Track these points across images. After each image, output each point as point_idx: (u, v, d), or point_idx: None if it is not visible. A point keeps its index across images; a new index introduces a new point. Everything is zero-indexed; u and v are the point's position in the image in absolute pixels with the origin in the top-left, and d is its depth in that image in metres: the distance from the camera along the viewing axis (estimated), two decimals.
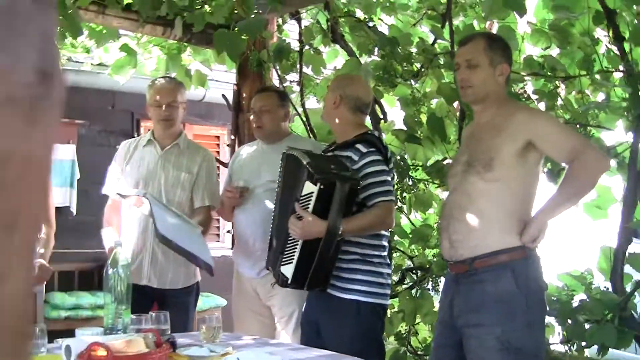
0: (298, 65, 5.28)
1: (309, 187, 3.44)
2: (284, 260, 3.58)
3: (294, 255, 3.52)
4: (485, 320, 3.14)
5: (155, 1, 4.66)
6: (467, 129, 3.68)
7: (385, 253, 3.74)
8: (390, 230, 3.95)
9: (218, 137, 8.22)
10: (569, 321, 4.01)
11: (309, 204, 3.44)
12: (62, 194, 7.11)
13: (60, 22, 4.24)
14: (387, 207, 3.57)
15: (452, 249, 3.27)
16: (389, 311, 4.64)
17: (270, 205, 4.08)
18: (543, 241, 3.19)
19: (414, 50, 4.81)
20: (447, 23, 4.59)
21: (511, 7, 4.11)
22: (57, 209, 7.10)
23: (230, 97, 5.38)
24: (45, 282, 4.19)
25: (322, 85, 5.20)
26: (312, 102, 5.51)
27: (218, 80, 6.83)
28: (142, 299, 4.14)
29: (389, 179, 3.66)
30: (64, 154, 7.17)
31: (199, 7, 4.94)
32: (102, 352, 2.54)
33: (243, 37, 4.62)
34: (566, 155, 3.11)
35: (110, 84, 6.07)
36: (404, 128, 4.82)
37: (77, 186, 6.94)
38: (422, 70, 4.78)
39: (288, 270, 3.55)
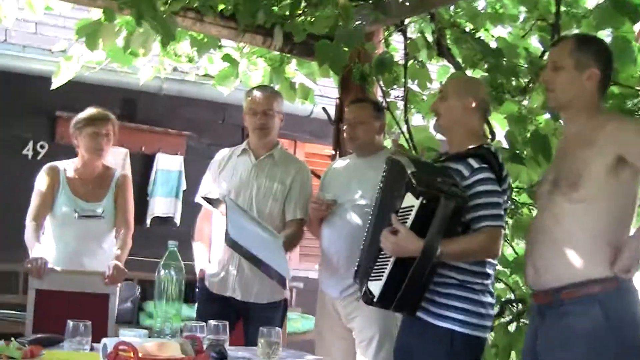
0: (403, 80, 5.08)
1: (410, 200, 3.12)
2: (372, 275, 3.29)
3: (383, 272, 3.21)
4: (571, 357, 2.84)
5: (252, 8, 4.56)
6: (558, 143, 3.36)
7: (489, 282, 3.36)
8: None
9: (330, 157, 8.08)
10: None
11: (408, 218, 3.12)
12: (167, 204, 7.23)
13: (153, 26, 4.20)
14: (494, 233, 3.19)
15: (536, 276, 2.99)
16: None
17: (357, 221, 3.92)
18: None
19: (522, 62, 4.53)
20: (556, 34, 4.29)
21: (622, 13, 3.77)
22: (162, 219, 7.22)
23: (332, 111, 5.24)
24: (119, 284, 4.14)
25: (428, 101, 4.98)
26: (416, 119, 5.28)
27: (328, 96, 6.71)
28: (227, 310, 4.14)
29: (501, 201, 3.26)
30: (172, 164, 7.26)
31: (300, 16, 4.81)
32: (127, 353, 2.42)
33: (346, 48, 4.47)
34: None
35: (222, 97, 6.05)
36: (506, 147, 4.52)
37: (182, 197, 6.99)
38: (530, 84, 4.48)
39: (376, 287, 3.24)
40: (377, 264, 3.27)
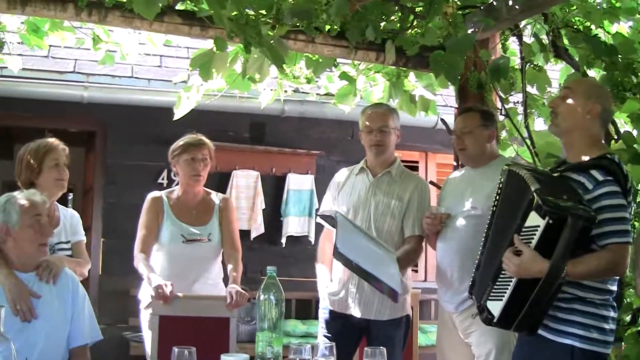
0: (521, 85, 4.95)
1: (535, 219, 3.04)
2: (492, 295, 3.23)
3: (505, 293, 3.15)
4: None
5: (361, 26, 4.57)
6: None
7: (611, 296, 3.21)
8: None
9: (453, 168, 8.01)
10: None
11: (532, 238, 3.05)
12: (300, 223, 7.35)
13: (263, 51, 4.28)
14: (621, 251, 3.05)
15: None
16: (612, 355, 4.14)
17: (470, 232, 3.87)
18: None
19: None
20: None
21: None
22: (295, 238, 7.32)
23: (451, 122, 5.17)
24: (240, 307, 4.19)
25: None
26: (537, 124, 5.13)
27: (452, 106, 6.63)
28: (348, 328, 4.17)
29: (627, 215, 3.11)
30: (303, 184, 7.36)
31: (409, 29, 4.78)
32: None
33: (460, 58, 4.41)
34: None
35: (348, 115, 6.09)
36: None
37: (315, 216, 7.07)
38: None
39: (496, 307, 3.19)
40: (498, 283, 3.21)
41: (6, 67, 5.61)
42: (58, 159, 4.21)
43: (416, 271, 7.19)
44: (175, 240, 4.45)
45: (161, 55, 7.17)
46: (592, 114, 3.26)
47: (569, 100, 3.32)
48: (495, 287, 3.21)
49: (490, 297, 3.23)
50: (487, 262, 3.39)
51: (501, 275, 3.18)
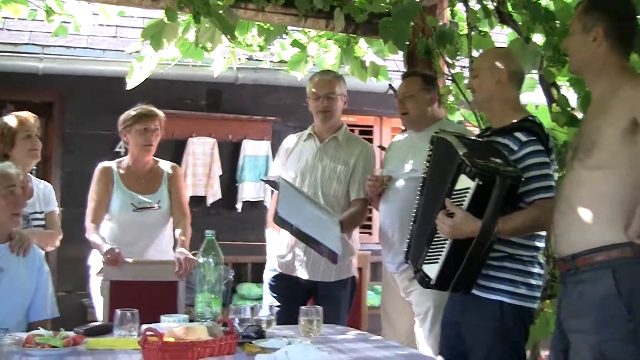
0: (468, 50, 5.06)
1: (465, 182, 3.14)
2: (427, 258, 3.32)
3: (440, 255, 3.24)
4: (582, 326, 2.81)
5: None
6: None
7: (538, 254, 3.36)
8: None
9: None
10: None
11: (463, 200, 3.15)
12: (256, 188, 7.46)
13: (212, 21, 4.34)
14: (547, 205, 3.14)
15: (555, 245, 2.98)
16: (548, 310, 4.30)
17: (411, 194, 3.89)
18: None
19: None
20: None
21: None
22: (251, 203, 7.43)
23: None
24: (188, 273, 4.29)
25: None
26: None
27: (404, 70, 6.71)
28: (295, 289, 4.30)
29: (551, 172, 3.26)
30: (259, 150, 7.46)
31: None
32: (153, 338, 2.58)
33: (407, 24, 4.51)
34: None
35: (304, 82, 6.15)
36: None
37: None
38: None
39: (432, 270, 3.28)
40: (432, 246, 3.29)
41: None
42: (30, 130, 4.32)
43: (370, 233, 7.31)
44: (125, 209, 4.53)
45: (116, 26, 7.18)
46: (500, 80, 3.40)
47: (478, 77, 3.48)
48: (430, 250, 3.30)
49: (426, 261, 3.32)
50: (421, 227, 3.49)
51: (435, 239, 3.27)
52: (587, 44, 2.92)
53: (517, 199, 3.20)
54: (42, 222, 4.38)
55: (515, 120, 3.33)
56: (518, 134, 3.24)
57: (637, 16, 3.06)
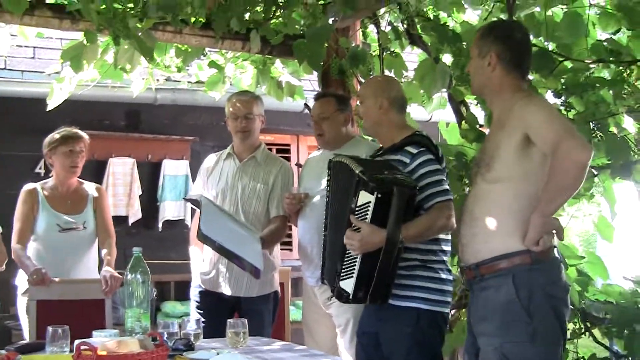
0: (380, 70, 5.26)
1: (365, 197, 3.32)
2: (343, 275, 3.47)
3: (353, 269, 3.41)
4: (487, 330, 3.04)
5: (225, 17, 4.78)
6: None
7: (446, 258, 3.59)
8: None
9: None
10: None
11: (367, 214, 3.33)
12: (176, 207, 7.52)
13: (131, 43, 4.45)
14: (445, 207, 3.42)
15: (462, 254, 3.21)
16: (464, 319, 4.51)
17: None
18: (555, 242, 3.01)
19: None
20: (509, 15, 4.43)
21: None
22: (172, 222, 7.50)
23: None
24: (114, 290, 4.38)
25: (405, 88, 5.14)
26: None
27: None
28: (220, 304, 4.39)
29: (444, 177, 3.52)
30: (178, 169, 7.55)
31: (272, 19, 5.02)
32: (88, 352, 2.68)
33: (320, 46, 4.67)
34: (549, 147, 2.89)
35: (221, 102, 6.27)
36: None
37: None
38: None
39: (348, 285, 3.44)
40: (345, 263, 3.45)
41: None
42: None
43: (290, 250, 7.47)
44: (51, 229, 4.59)
45: (34, 47, 7.18)
46: (383, 106, 3.68)
47: (364, 104, 3.76)
48: (344, 267, 3.46)
49: (342, 277, 3.47)
50: (331, 248, 3.66)
51: (347, 255, 3.44)
52: (483, 68, 3.18)
53: (418, 208, 3.43)
54: None
55: (403, 137, 3.59)
56: (408, 148, 3.51)
57: (529, 40, 3.35)
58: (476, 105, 4.79)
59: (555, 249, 3.06)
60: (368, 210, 3.31)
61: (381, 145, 3.81)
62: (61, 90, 5.32)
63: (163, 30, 4.81)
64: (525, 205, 2.97)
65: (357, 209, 3.35)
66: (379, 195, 3.26)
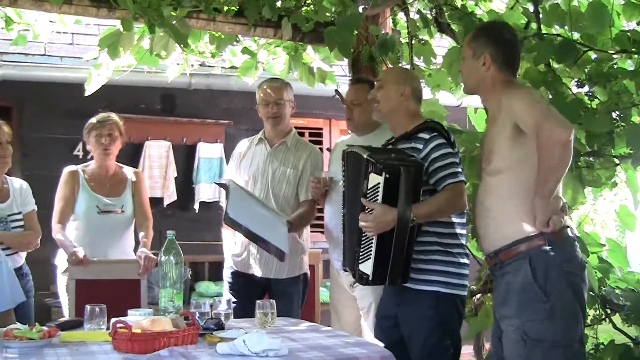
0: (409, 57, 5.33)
1: (375, 179, 3.43)
2: (361, 258, 3.56)
3: (370, 251, 3.50)
4: (508, 312, 3.18)
5: (258, 5, 4.90)
6: None
7: (464, 242, 3.70)
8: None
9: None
10: None
11: (377, 195, 3.43)
12: (211, 189, 7.63)
13: (166, 31, 4.58)
14: (456, 189, 3.51)
15: (480, 244, 3.38)
16: (488, 303, 4.62)
17: None
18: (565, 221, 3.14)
19: None
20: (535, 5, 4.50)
21: None
22: (207, 204, 7.65)
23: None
24: (150, 272, 4.55)
25: (434, 76, 5.25)
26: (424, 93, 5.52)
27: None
28: (251, 286, 4.52)
29: (456, 160, 3.60)
30: (213, 152, 7.68)
31: (303, 6, 5.12)
32: (122, 329, 2.84)
33: (350, 33, 4.76)
34: (533, 128, 3.06)
35: (254, 87, 6.38)
36: None
37: None
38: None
39: (367, 267, 3.52)
40: (362, 246, 3.55)
41: None
42: (0, 137, 4.50)
43: (322, 232, 7.50)
44: (90, 211, 4.77)
45: (73, 33, 7.35)
46: (405, 94, 3.77)
47: (384, 89, 3.83)
48: (362, 250, 3.55)
49: (360, 260, 3.56)
50: (349, 233, 3.75)
51: (363, 238, 3.54)
52: (478, 68, 3.36)
53: (433, 192, 3.54)
54: (21, 223, 4.59)
55: (416, 125, 3.70)
56: (421, 134, 3.61)
57: (517, 40, 3.52)
58: None
59: (568, 228, 3.20)
60: (379, 191, 3.43)
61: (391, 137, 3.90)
62: (99, 75, 5.46)
63: (197, 18, 4.90)
64: (529, 190, 3.12)
65: (368, 191, 3.46)
66: (387, 176, 3.37)
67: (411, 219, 3.39)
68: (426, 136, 3.59)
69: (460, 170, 3.58)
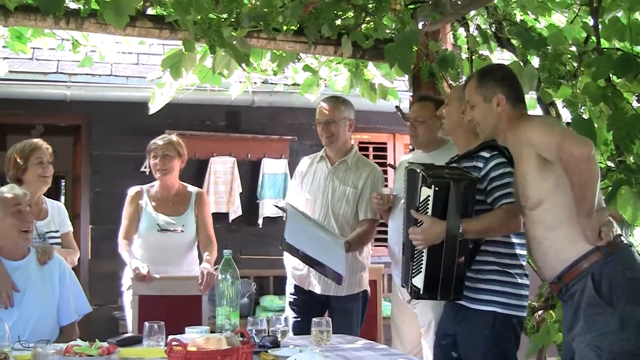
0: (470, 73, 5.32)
1: (425, 192, 3.48)
2: (413, 271, 3.60)
3: (422, 265, 3.54)
4: (579, 330, 3.18)
5: (317, 24, 4.95)
6: None
7: (524, 263, 3.67)
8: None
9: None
10: None
11: (428, 209, 3.48)
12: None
13: (226, 51, 4.67)
14: (511, 209, 3.48)
15: (542, 275, 3.43)
16: (549, 320, 4.58)
17: None
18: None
19: (572, 49, 4.70)
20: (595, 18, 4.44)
21: None
22: (271, 219, 7.72)
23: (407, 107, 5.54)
24: (210, 287, 4.61)
25: None
26: None
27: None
28: (311, 302, 4.56)
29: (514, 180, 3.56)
30: (277, 168, 7.76)
31: (362, 24, 5.15)
32: (178, 347, 2.91)
33: (409, 50, 4.77)
34: (555, 154, 3.11)
35: (317, 103, 6.47)
36: None
37: None
38: (578, 69, 4.65)
39: (419, 280, 3.56)
40: (414, 259, 3.59)
41: None
42: (42, 157, 4.62)
43: (386, 246, 7.54)
44: (150, 229, 4.88)
45: (138, 53, 7.53)
46: (464, 113, 3.73)
47: (448, 106, 3.88)
48: (414, 264, 3.59)
49: (413, 275, 3.61)
50: (406, 249, 3.76)
51: (415, 252, 3.58)
52: (492, 111, 3.43)
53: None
54: (58, 240, 4.69)
55: (478, 144, 3.69)
56: (483, 153, 3.61)
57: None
58: (564, 107, 4.82)
59: (621, 237, 3.21)
60: (428, 204, 3.47)
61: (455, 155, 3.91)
62: (162, 95, 5.56)
63: (257, 37, 4.97)
64: (572, 212, 3.17)
65: (419, 204, 3.51)
66: (437, 189, 3.42)
67: (460, 233, 3.42)
68: (487, 155, 3.59)
69: None
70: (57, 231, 4.71)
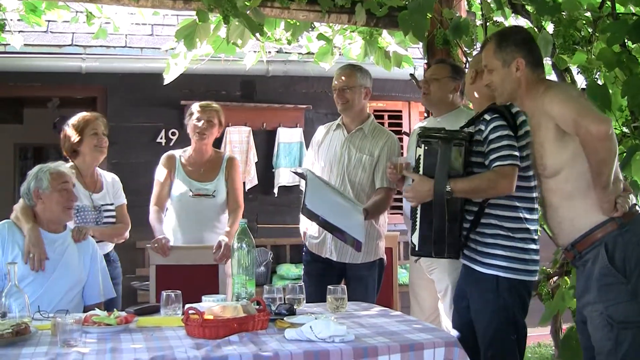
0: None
1: (418, 152, 3.61)
2: (412, 230, 3.69)
3: (417, 222, 3.64)
4: (591, 299, 3.22)
5: None
6: None
7: (532, 227, 3.59)
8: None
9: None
10: None
11: (420, 168, 3.60)
12: (291, 174, 7.69)
13: (240, 21, 4.66)
14: (502, 171, 3.44)
15: (556, 241, 3.47)
16: (564, 286, 4.59)
17: None
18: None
19: (587, 14, 4.67)
20: None
21: None
22: (287, 188, 7.74)
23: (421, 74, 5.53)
24: (225, 258, 4.63)
25: None
26: None
27: None
28: (328, 270, 4.58)
29: (512, 143, 3.47)
30: (293, 136, 7.77)
31: None
32: (195, 316, 2.95)
33: (423, 17, 4.76)
34: (572, 128, 3.14)
35: (332, 71, 6.44)
36: None
37: None
38: (593, 35, 4.62)
39: (415, 237, 3.67)
40: (412, 218, 3.69)
41: (9, 45, 6.01)
42: (97, 129, 4.76)
43: (402, 214, 7.56)
44: (183, 194, 4.93)
45: (152, 24, 7.56)
46: (472, 78, 3.84)
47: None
48: (413, 222, 3.68)
49: (412, 233, 3.70)
50: (410, 211, 3.81)
51: (414, 212, 3.68)
52: (511, 75, 3.42)
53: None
54: (113, 213, 4.80)
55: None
56: (485, 116, 3.59)
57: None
58: (579, 73, 4.80)
59: (636, 207, 3.24)
60: (420, 163, 3.58)
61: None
62: (176, 65, 5.58)
63: (271, 7, 4.99)
64: (590, 181, 3.20)
65: (414, 165, 3.62)
66: (426, 147, 3.53)
67: (447, 192, 3.47)
68: (488, 117, 3.56)
69: (512, 153, 3.46)
70: (112, 204, 4.81)
